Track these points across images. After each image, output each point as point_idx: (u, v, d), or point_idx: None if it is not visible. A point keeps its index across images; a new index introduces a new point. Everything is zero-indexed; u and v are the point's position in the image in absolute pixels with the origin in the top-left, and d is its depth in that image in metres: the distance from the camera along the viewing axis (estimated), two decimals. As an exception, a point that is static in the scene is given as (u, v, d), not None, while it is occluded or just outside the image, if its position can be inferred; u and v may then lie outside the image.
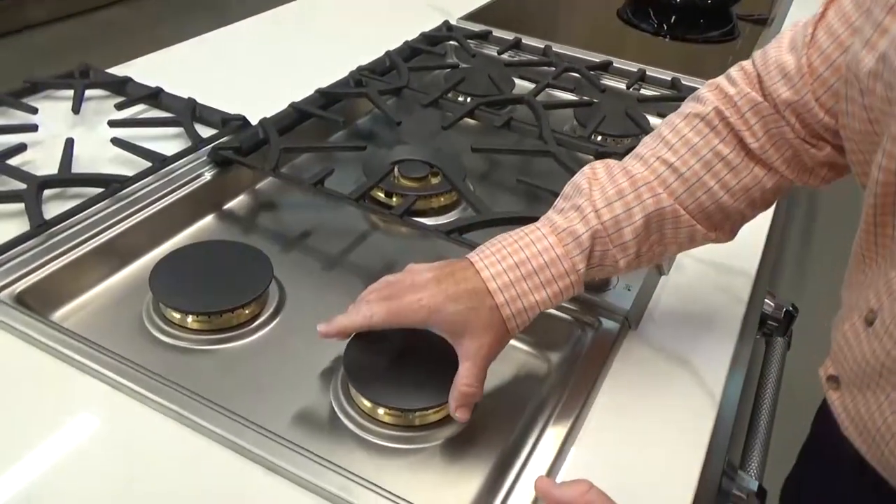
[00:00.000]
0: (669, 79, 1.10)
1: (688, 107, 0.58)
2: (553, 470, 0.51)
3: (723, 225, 0.58)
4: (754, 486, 0.61)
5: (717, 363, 0.62)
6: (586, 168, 0.59)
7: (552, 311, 0.65)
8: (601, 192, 0.56)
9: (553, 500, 0.44)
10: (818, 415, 0.68)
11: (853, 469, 0.54)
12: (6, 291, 0.60)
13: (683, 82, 1.09)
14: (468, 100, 1.00)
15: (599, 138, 0.94)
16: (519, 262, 0.54)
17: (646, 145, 0.59)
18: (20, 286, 0.61)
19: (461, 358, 0.53)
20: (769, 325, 0.83)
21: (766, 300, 0.81)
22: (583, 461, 0.52)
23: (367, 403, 0.56)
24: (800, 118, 0.53)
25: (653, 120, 1.00)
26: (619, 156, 0.85)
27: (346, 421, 0.56)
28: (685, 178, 0.55)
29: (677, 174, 0.55)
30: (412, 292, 0.53)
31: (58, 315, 0.63)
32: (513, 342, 0.64)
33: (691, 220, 0.56)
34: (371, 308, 0.54)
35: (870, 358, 0.50)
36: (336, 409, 0.57)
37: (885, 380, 0.49)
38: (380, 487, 0.47)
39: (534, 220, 0.74)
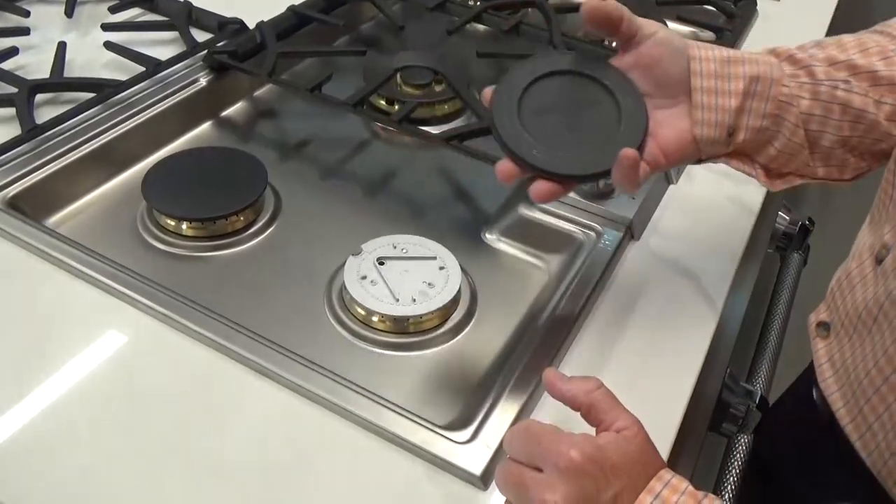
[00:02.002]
0: (692, -19, 1.03)
1: None
2: (539, 388, 0.50)
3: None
4: (756, 397, 0.60)
5: (720, 276, 0.60)
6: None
7: (552, 218, 0.63)
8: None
9: (558, 392, 0.42)
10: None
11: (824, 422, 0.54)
12: (-2, 196, 0.60)
13: (707, -16, 1.02)
14: (476, 3, 0.95)
15: (614, 44, 0.89)
16: None
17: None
18: (12, 190, 0.60)
19: None
20: (783, 240, 0.80)
21: (780, 213, 0.78)
22: (579, 370, 0.51)
23: (360, 311, 0.55)
24: None
25: (672, 24, 0.94)
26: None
27: (339, 328, 0.55)
28: None
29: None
30: None
31: (51, 221, 0.62)
32: (511, 249, 0.64)
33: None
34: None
35: (870, 299, 0.48)
36: (330, 316, 0.56)
37: (878, 325, 0.46)
38: (368, 391, 0.47)
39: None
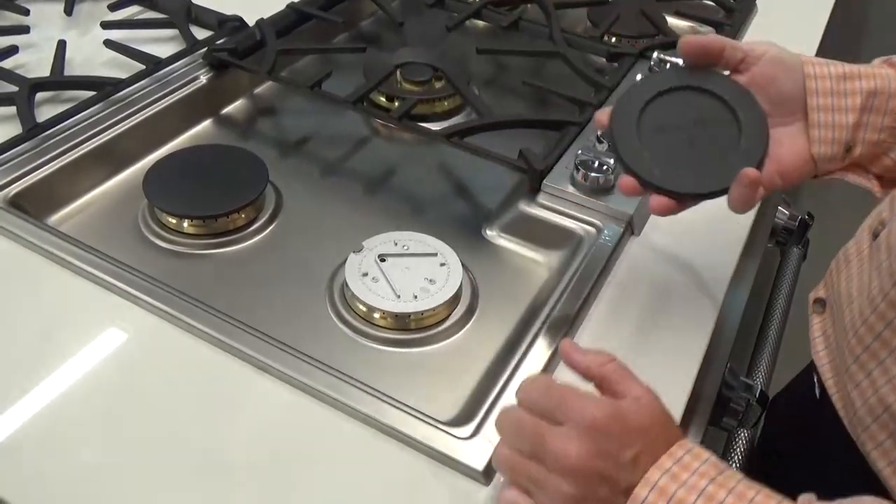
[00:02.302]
0: (691, -24, 1.03)
1: None
2: (547, 371, 0.50)
3: None
4: (756, 391, 0.60)
5: (720, 271, 0.60)
6: None
7: (552, 214, 0.63)
8: None
9: (572, 362, 0.42)
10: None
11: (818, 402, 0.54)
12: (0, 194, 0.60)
13: (706, -20, 1.02)
14: (475, -1, 0.95)
15: (613, 39, 0.90)
16: None
17: None
18: (14, 189, 0.60)
19: None
20: (783, 235, 0.81)
21: (780, 208, 0.78)
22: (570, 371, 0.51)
23: (362, 308, 0.55)
24: None
25: (671, 20, 0.94)
26: (634, 57, 0.81)
27: (341, 325, 0.55)
28: None
29: None
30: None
31: (53, 219, 0.62)
32: (512, 245, 0.64)
33: None
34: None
35: (864, 274, 0.48)
36: (331, 313, 0.56)
37: (864, 297, 0.47)
38: (369, 387, 0.47)
39: (540, 123, 0.72)
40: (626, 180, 0.48)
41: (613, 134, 0.48)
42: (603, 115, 0.50)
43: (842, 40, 0.53)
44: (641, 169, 0.47)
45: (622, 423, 0.37)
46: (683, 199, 0.47)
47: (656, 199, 0.47)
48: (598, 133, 0.67)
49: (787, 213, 0.81)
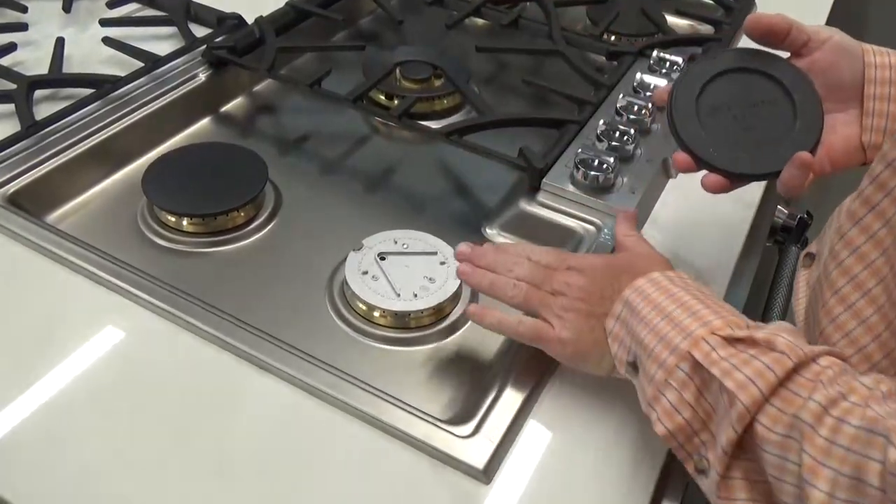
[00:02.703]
0: (691, -26, 1.03)
1: None
2: (541, 381, 0.50)
3: None
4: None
5: (720, 269, 0.60)
6: None
7: (552, 213, 0.63)
8: None
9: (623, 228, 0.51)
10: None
11: None
12: (-2, 192, 0.60)
13: (705, -22, 1.02)
14: (475, -3, 0.95)
15: (613, 38, 0.89)
16: None
17: None
18: (12, 187, 0.60)
19: None
20: (782, 234, 0.81)
21: (779, 206, 0.78)
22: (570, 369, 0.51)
23: (361, 306, 0.55)
24: None
25: (671, 18, 0.94)
26: (633, 56, 0.81)
27: (341, 323, 0.55)
28: None
29: None
30: (558, 318, 0.46)
31: (52, 217, 0.62)
32: (508, 243, 0.63)
33: None
34: (518, 324, 0.48)
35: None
36: (331, 311, 0.56)
37: (843, 245, 0.46)
38: (369, 385, 0.47)
39: (539, 121, 0.72)
40: (682, 157, 0.49)
41: (672, 112, 0.49)
42: (662, 92, 0.51)
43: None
44: (698, 147, 0.48)
45: (613, 267, 0.47)
46: (737, 179, 0.48)
47: (711, 178, 0.48)
48: (598, 133, 0.67)
49: (786, 211, 0.81)
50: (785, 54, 0.51)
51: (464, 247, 0.52)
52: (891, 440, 0.31)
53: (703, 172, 0.49)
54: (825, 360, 0.37)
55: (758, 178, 0.49)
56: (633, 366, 0.42)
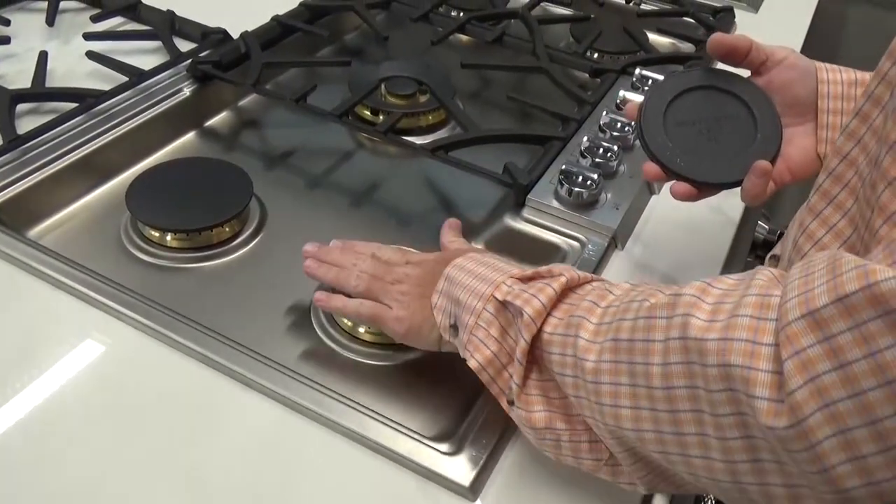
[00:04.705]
0: (672, -7, 1.05)
1: None
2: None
3: None
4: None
5: (704, 284, 0.61)
6: None
7: (536, 228, 0.64)
8: None
9: (448, 235, 0.57)
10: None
11: None
12: (-21, 207, 0.59)
13: (686, -3, 1.04)
14: (459, 14, 0.96)
15: (596, 55, 0.91)
16: None
17: None
18: (-6, 202, 0.60)
19: None
20: (763, 249, 0.82)
21: (759, 222, 0.80)
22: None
23: (347, 322, 0.55)
24: None
25: (652, 37, 0.96)
26: (616, 73, 0.82)
27: (326, 339, 0.55)
28: None
29: None
30: (395, 301, 0.50)
31: (34, 232, 0.61)
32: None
33: None
34: (360, 304, 0.51)
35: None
36: (316, 327, 0.56)
37: (805, 238, 0.48)
38: (354, 401, 0.47)
39: (524, 137, 0.72)
40: (651, 167, 0.51)
41: (641, 125, 0.52)
42: (632, 107, 0.54)
43: (817, 58, 0.55)
44: (666, 158, 0.51)
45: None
46: (702, 188, 0.51)
47: (678, 186, 0.51)
48: (582, 149, 0.68)
49: (766, 227, 0.82)
50: (746, 73, 0.53)
51: (309, 246, 0.55)
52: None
53: (673, 182, 0.51)
54: (598, 282, 0.43)
55: (722, 186, 0.51)
56: (455, 328, 0.46)
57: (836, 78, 0.52)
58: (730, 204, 0.69)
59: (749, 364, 0.31)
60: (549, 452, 0.43)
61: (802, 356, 0.29)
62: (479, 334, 0.44)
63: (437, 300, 0.48)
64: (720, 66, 0.54)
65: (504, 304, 0.43)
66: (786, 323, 0.30)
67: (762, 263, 0.81)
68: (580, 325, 0.39)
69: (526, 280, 0.44)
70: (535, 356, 0.42)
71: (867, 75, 0.52)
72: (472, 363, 0.44)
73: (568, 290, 0.42)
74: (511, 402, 0.43)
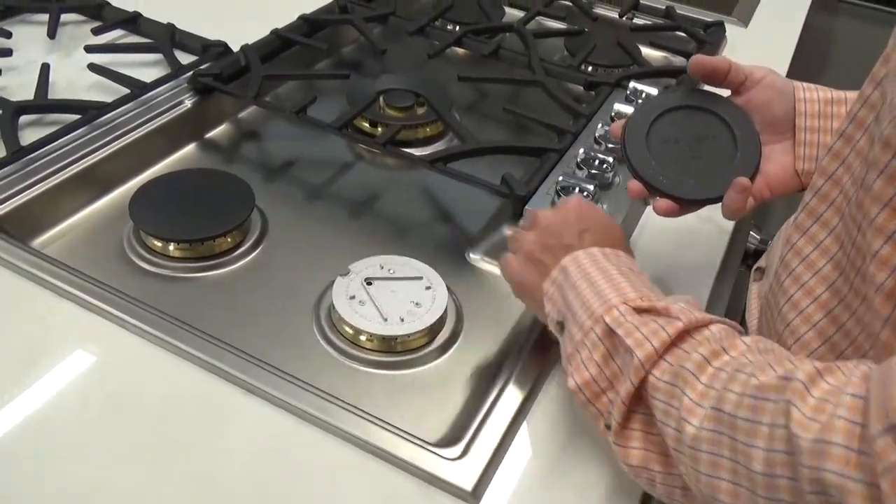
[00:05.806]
0: (664, 7, 1.07)
1: None
2: (526, 404, 0.51)
3: None
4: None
5: (696, 293, 0.62)
6: None
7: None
8: None
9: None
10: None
11: None
12: (-17, 217, 0.60)
13: (678, 11, 1.06)
14: (456, 28, 0.97)
15: (590, 68, 0.92)
16: None
17: None
18: (-2, 212, 0.60)
19: None
20: (754, 258, 0.83)
21: (751, 232, 0.81)
22: (563, 386, 0.53)
23: (349, 330, 0.56)
24: None
25: (645, 50, 0.98)
26: (610, 86, 0.84)
27: (328, 347, 0.56)
28: None
29: None
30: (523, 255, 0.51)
31: (38, 242, 0.62)
32: (495, 269, 0.65)
33: None
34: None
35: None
36: (318, 335, 0.57)
37: (792, 255, 0.49)
38: (358, 408, 0.48)
39: (521, 150, 0.73)
40: (635, 185, 0.53)
41: (625, 144, 0.53)
42: (617, 127, 0.55)
43: (805, 74, 0.57)
44: (649, 175, 0.52)
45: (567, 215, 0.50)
46: (684, 204, 0.52)
47: (661, 203, 0.53)
48: (578, 161, 0.69)
49: (758, 237, 0.84)
50: (726, 93, 0.55)
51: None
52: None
53: (656, 198, 0.53)
54: (716, 326, 0.41)
55: (703, 202, 0.53)
56: (561, 325, 0.46)
57: (812, 97, 0.53)
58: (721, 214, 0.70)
59: (843, 472, 0.29)
60: (644, 487, 0.43)
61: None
62: (582, 354, 0.43)
63: (548, 288, 0.48)
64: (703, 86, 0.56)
65: (612, 331, 0.42)
66: (873, 436, 0.29)
67: (750, 273, 0.83)
68: (687, 380, 0.38)
69: (641, 311, 0.42)
70: (638, 394, 0.41)
71: (843, 94, 0.54)
72: (570, 383, 0.44)
73: (685, 332, 0.41)
74: (608, 427, 0.42)
